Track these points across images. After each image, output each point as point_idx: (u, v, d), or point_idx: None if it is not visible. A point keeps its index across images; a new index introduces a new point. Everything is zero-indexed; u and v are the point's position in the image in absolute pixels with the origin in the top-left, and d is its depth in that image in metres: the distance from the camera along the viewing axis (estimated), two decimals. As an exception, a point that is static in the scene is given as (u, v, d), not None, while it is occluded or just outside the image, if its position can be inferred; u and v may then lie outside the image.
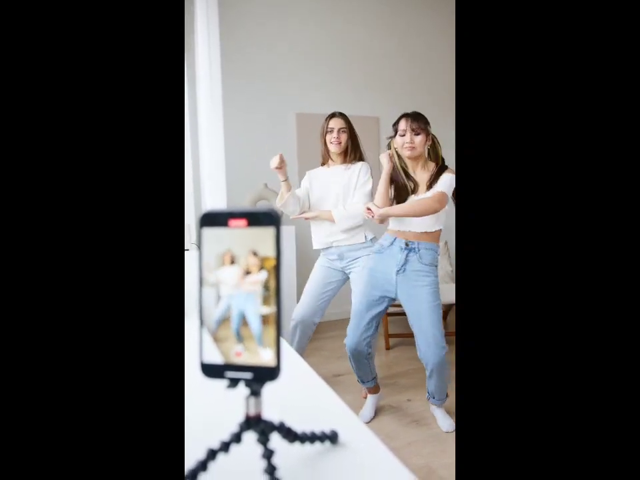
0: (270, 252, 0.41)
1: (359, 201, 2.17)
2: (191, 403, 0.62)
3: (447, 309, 3.14)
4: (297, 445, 0.50)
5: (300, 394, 0.69)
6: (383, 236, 1.96)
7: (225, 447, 0.46)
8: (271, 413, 0.48)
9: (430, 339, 1.80)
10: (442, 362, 1.79)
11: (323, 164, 2.27)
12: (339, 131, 2.14)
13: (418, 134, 1.84)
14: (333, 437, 0.53)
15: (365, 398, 2.19)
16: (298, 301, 2.29)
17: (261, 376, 0.43)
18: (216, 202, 2.37)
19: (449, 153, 1.89)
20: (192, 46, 2.52)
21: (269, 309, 0.42)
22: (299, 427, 0.50)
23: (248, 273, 0.42)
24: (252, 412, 0.45)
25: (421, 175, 1.89)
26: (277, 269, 0.41)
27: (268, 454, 0.44)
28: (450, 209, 1.84)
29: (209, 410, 0.63)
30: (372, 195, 2.14)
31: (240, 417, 0.46)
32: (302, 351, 2.25)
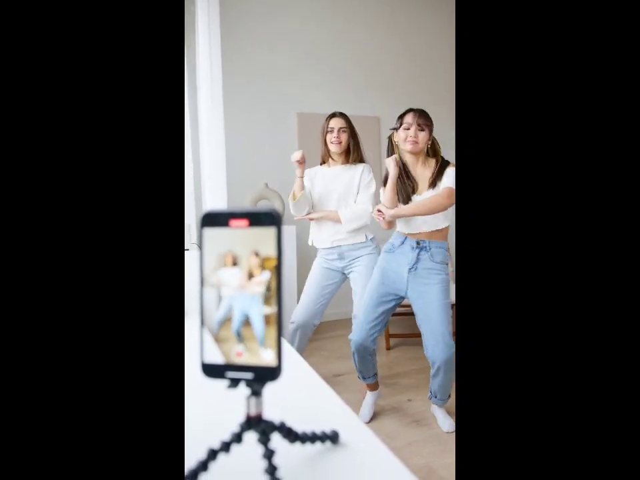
0: (271, 252, 0.41)
1: (364, 202, 2.18)
2: (192, 403, 0.62)
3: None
4: (297, 445, 0.50)
5: (300, 394, 0.69)
6: (392, 235, 1.97)
7: (226, 446, 0.46)
8: (271, 413, 0.48)
9: (439, 337, 1.80)
10: (450, 360, 1.79)
11: (322, 163, 2.27)
12: (339, 130, 2.14)
13: (422, 130, 1.84)
14: (333, 437, 0.53)
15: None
16: (298, 301, 2.29)
17: (262, 376, 0.43)
18: (216, 202, 2.37)
19: (449, 153, 1.89)
20: (192, 45, 2.52)
21: (270, 309, 0.42)
22: (299, 427, 0.50)
23: (251, 274, 0.42)
24: (253, 412, 0.45)
25: (422, 171, 1.89)
26: (278, 269, 0.41)
27: (269, 454, 0.44)
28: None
29: (209, 410, 0.63)
30: (376, 196, 2.16)
31: (241, 417, 0.46)
32: (301, 351, 2.26)
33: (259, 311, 0.42)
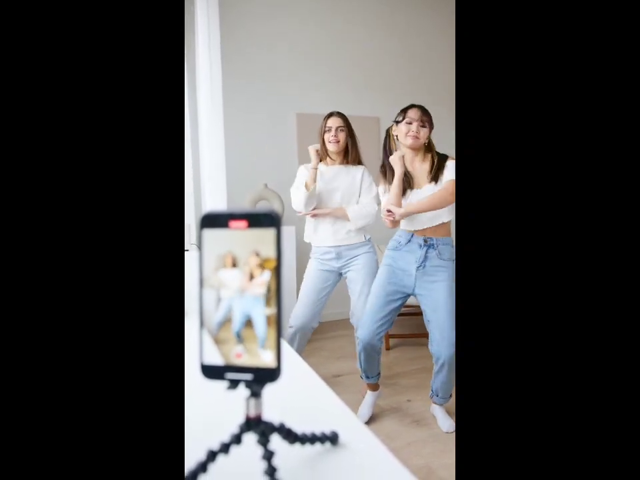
0: (271, 253, 0.41)
1: (369, 202, 2.20)
2: (191, 404, 0.62)
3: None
4: (297, 446, 0.50)
5: (300, 395, 0.69)
6: (397, 232, 1.96)
7: (225, 448, 0.46)
8: (271, 414, 0.48)
9: (445, 332, 1.80)
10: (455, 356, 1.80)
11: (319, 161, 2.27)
12: (337, 129, 2.15)
13: (424, 126, 1.85)
14: (333, 438, 0.53)
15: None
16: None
17: (261, 377, 0.43)
18: (216, 202, 2.37)
19: (448, 153, 1.90)
20: (192, 46, 2.52)
21: (271, 310, 0.42)
22: (299, 428, 0.50)
23: (252, 275, 0.42)
24: (252, 413, 0.45)
25: (420, 166, 1.90)
26: (278, 269, 0.41)
27: (268, 455, 0.44)
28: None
29: (208, 411, 0.63)
30: (377, 198, 2.18)
31: (240, 418, 0.46)
32: (300, 353, 2.26)
33: (261, 312, 0.42)
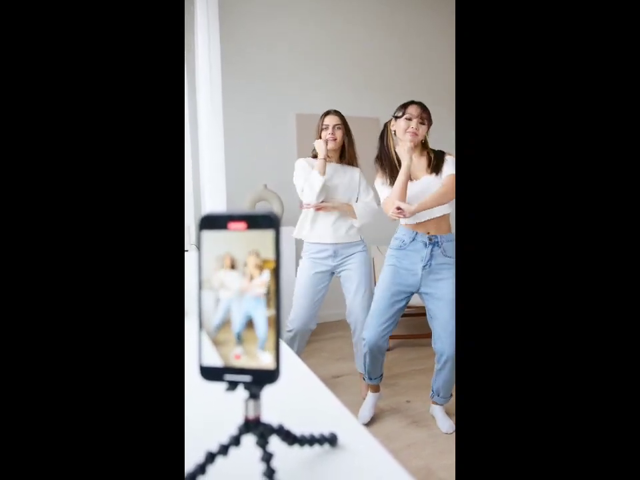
0: (270, 254, 0.41)
1: (370, 201, 2.21)
2: (190, 406, 0.62)
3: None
4: (296, 448, 0.50)
5: (299, 396, 0.69)
6: (399, 231, 1.94)
7: (224, 449, 0.46)
8: (270, 416, 0.48)
9: (451, 329, 1.80)
10: None
11: (314, 157, 2.25)
12: (334, 127, 2.15)
13: (423, 123, 1.85)
14: (332, 440, 0.53)
15: (365, 398, 2.18)
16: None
17: (260, 379, 0.43)
18: (215, 202, 2.36)
19: (451, 152, 1.90)
20: (192, 46, 2.52)
21: (270, 311, 0.42)
22: (298, 430, 0.50)
23: (251, 275, 0.42)
24: (251, 415, 0.45)
25: (417, 160, 1.90)
26: (277, 271, 0.41)
27: (267, 457, 0.44)
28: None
29: (207, 412, 0.63)
30: (376, 199, 2.19)
31: (239, 420, 0.46)
32: (299, 355, 2.26)
33: (262, 313, 0.42)
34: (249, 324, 0.43)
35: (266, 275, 0.42)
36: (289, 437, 0.49)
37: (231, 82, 3.31)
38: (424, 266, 1.86)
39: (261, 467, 0.44)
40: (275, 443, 0.47)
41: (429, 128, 1.89)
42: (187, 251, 2.45)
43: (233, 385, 0.43)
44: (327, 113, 2.19)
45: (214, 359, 0.43)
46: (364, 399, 2.19)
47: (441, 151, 1.92)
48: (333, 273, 2.25)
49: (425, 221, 1.86)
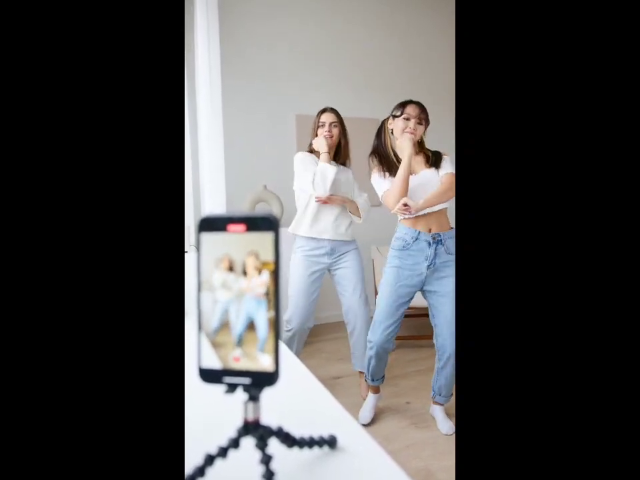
0: (269, 256, 0.41)
1: (365, 201, 2.23)
2: (189, 408, 0.62)
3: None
4: (295, 450, 0.50)
5: (298, 398, 0.69)
6: (400, 230, 1.91)
7: (223, 452, 0.45)
8: (269, 418, 0.47)
9: (454, 326, 1.80)
10: None
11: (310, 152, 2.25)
12: (330, 125, 2.15)
13: (420, 124, 1.85)
14: (331, 442, 0.52)
15: (365, 399, 2.18)
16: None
17: (260, 381, 0.42)
18: (215, 203, 2.36)
19: (450, 152, 1.91)
20: (191, 47, 2.52)
21: (270, 313, 0.42)
22: (297, 432, 0.50)
23: (251, 277, 0.42)
24: (250, 417, 0.45)
25: (415, 158, 1.91)
26: (276, 273, 0.41)
27: (266, 459, 0.44)
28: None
29: (206, 414, 0.63)
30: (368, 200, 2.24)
31: (238, 422, 0.46)
32: (298, 355, 2.27)
33: (263, 315, 0.42)
34: (250, 326, 0.43)
35: (265, 275, 0.41)
36: (288, 439, 0.49)
37: (230, 82, 3.31)
38: (428, 265, 1.85)
39: (260, 469, 0.44)
40: (274, 445, 0.47)
41: (426, 128, 1.90)
42: (186, 252, 2.44)
43: (232, 387, 0.43)
44: (324, 111, 2.19)
45: (213, 361, 0.43)
46: (364, 399, 2.19)
47: (437, 151, 1.93)
48: (328, 271, 2.25)
49: (424, 215, 1.85)
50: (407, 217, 1.85)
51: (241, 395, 0.44)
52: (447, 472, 1.66)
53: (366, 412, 2.09)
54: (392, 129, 1.92)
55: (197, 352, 0.44)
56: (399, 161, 1.89)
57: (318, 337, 3.35)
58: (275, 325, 0.42)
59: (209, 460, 0.45)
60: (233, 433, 0.46)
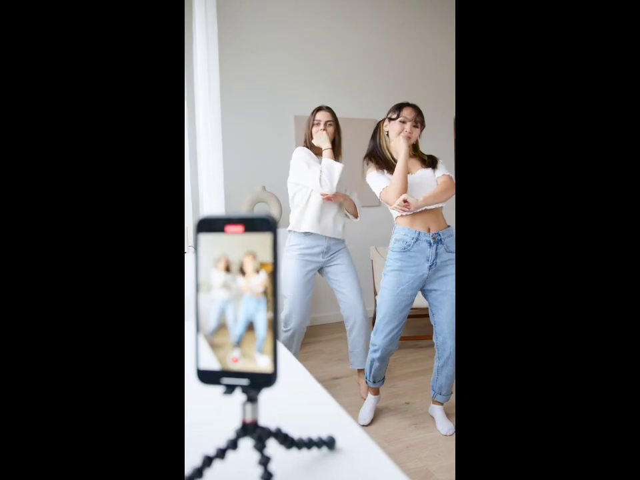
0: (267, 257, 0.41)
1: (357, 199, 2.26)
2: (187, 409, 0.61)
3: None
4: (294, 451, 0.50)
5: (297, 399, 0.69)
6: (398, 231, 1.90)
7: (222, 453, 0.45)
8: (267, 419, 0.47)
9: (454, 324, 1.81)
10: None
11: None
12: (325, 123, 2.15)
13: (416, 127, 1.86)
14: (330, 443, 0.52)
15: (364, 399, 2.18)
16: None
17: (258, 382, 0.42)
18: (214, 204, 2.36)
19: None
20: (190, 48, 2.52)
21: (268, 314, 0.42)
22: (296, 433, 0.50)
23: (248, 277, 0.42)
24: (248, 418, 0.45)
25: (410, 160, 1.92)
26: (274, 274, 0.41)
27: (264, 460, 0.44)
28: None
29: (205, 415, 0.63)
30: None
31: (236, 423, 0.46)
32: (296, 355, 2.28)
33: (263, 315, 0.42)
34: (248, 326, 0.43)
35: (263, 275, 0.41)
36: (287, 440, 0.48)
37: (229, 83, 3.32)
38: (430, 265, 1.85)
39: (259, 470, 0.44)
40: (272, 446, 0.47)
41: (421, 131, 1.90)
42: (185, 252, 2.44)
43: (230, 389, 0.43)
44: (319, 109, 2.20)
45: (211, 362, 0.43)
46: (364, 399, 2.19)
47: (431, 154, 1.96)
48: (322, 268, 2.27)
49: (420, 214, 1.85)
50: (404, 214, 1.85)
51: (239, 396, 0.44)
52: (447, 472, 1.66)
53: (365, 413, 2.09)
54: (387, 131, 1.92)
55: (195, 353, 0.44)
56: (395, 161, 1.89)
57: (317, 338, 3.35)
58: (274, 325, 0.42)
59: (207, 461, 0.45)
60: (231, 434, 0.46)
